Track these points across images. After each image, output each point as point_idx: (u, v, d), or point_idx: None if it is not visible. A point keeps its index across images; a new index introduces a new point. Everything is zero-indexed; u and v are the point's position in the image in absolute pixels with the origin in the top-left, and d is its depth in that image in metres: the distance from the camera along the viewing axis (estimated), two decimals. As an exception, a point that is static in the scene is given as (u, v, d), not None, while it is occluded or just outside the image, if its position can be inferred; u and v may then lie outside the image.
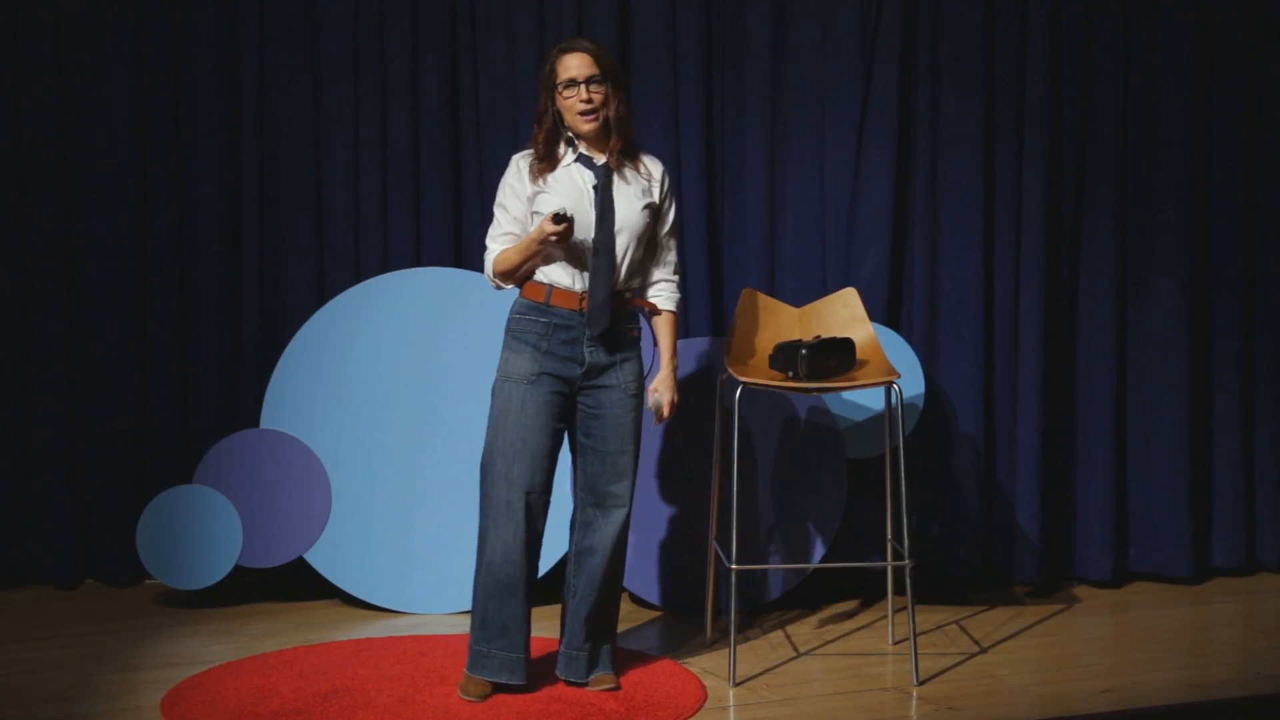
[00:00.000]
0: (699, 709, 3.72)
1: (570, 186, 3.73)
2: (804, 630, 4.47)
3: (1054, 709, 3.73)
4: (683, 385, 4.66)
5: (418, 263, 4.88)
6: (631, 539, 4.61)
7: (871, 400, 4.65)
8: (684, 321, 4.93)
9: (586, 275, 3.71)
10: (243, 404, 4.90)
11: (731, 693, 3.87)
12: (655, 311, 3.88)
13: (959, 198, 4.90)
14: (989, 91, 4.91)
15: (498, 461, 3.71)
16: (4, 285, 4.86)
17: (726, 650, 4.08)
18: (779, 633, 4.44)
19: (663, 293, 3.87)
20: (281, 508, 4.64)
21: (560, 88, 3.71)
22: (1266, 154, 5.14)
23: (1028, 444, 4.88)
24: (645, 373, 3.85)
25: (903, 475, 4.03)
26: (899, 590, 4.38)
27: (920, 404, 4.71)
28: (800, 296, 4.74)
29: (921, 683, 3.95)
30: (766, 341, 4.27)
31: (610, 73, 3.73)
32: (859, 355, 4.21)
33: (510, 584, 3.71)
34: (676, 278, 3.89)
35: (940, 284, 4.91)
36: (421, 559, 4.61)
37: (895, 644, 4.32)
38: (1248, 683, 3.98)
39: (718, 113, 4.99)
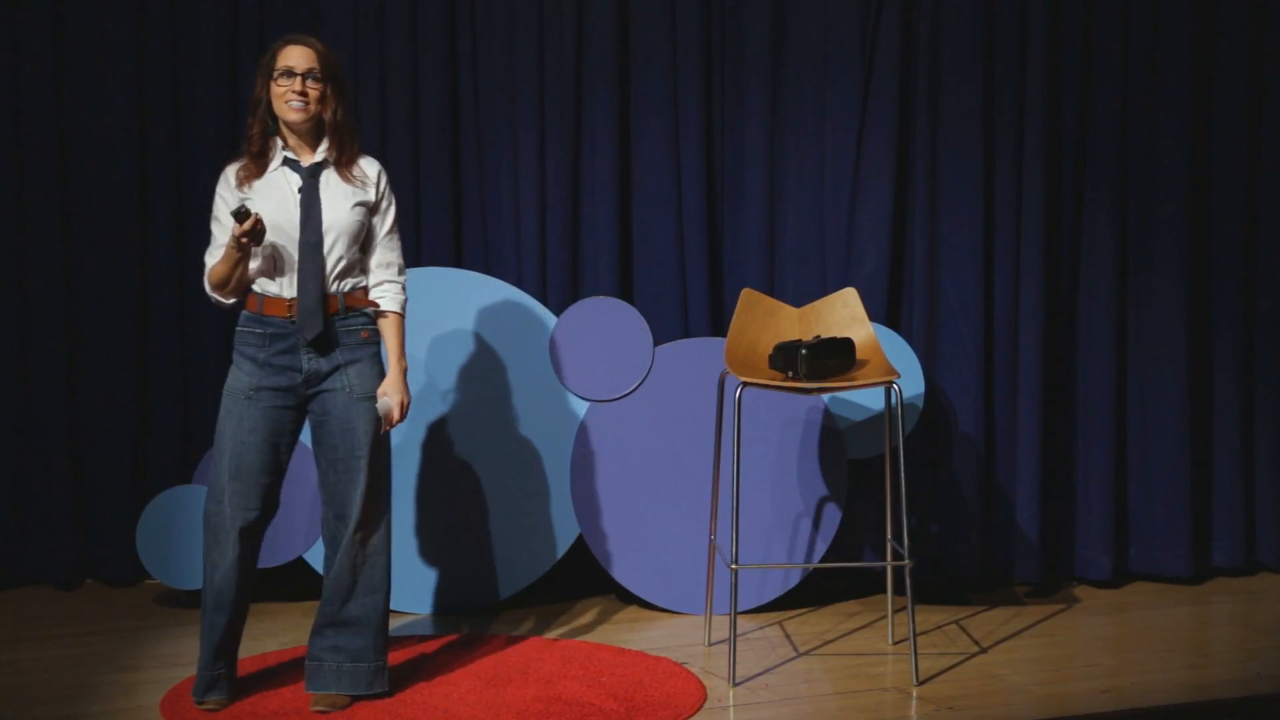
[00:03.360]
0: (699, 709, 3.72)
1: (275, 190, 3.68)
2: (804, 630, 4.47)
3: (1054, 709, 3.73)
4: (683, 385, 4.67)
5: (418, 263, 4.87)
6: (632, 538, 4.61)
7: (871, 400, 4.65)
8: (684, 321, 4.94)
9: (295, 280, 3.64)
10: (243, 404, 4.89)
11: (731, 693, 3.86)
12: (381, 314, 3.76)
13: (959, 198, 4.90)
14: (989, 91, 4.91)
15: (219, 479, 3.64)
16: (4, 286, 4.86)
17: (726, 650, 4.08)
18: (779, 633, 4.44)
19: (386, 294, 3.75)
20: (282, 508, 4.62)
21: (277, 75, 3.66)
22: (1266, 154, 5.13)
23: (1028, 444, 4.87)
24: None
25: (903, 475, 4.03)
26: (899, 590, 4.38)
27: (920, 404, 4.71)
28: (800, 296, 4.74)
29: (921, 683, 3.94)
30: (766, 341, 4.26)
31: (333, 75, 3.70)
32: (859, 355, 4.20)
33: (224, 602, 3.64)
34: (401, 279, 3.78)
35: (940, 284, 4.90)
36: (421, 559, 4.61)
37: (895, 644, 4.32)
38: (1248, 683, 3.97)
39: (718, 113, 4.99)
